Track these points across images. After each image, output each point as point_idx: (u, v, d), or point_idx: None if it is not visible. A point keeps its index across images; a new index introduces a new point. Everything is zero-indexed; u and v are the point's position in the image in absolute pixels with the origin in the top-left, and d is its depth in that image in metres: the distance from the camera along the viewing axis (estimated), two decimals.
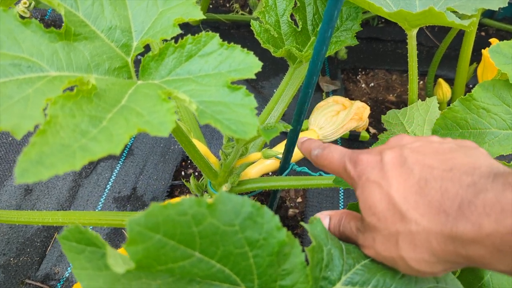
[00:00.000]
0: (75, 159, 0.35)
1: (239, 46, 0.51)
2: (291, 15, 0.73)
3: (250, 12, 1.38)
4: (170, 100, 0.43)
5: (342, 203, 1.00)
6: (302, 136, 0.74)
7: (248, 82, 1.25)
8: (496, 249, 0.31)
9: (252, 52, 0.50)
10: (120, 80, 0.51)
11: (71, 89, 0.43)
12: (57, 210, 0.93)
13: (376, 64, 1.36)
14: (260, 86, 1.25)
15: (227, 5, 1.47)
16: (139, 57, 0.50)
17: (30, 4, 1.18)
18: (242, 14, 1.38)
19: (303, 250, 0.40)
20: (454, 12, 0.60)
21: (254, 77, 0.49)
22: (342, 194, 1.02)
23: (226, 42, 0.50)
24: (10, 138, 1.05)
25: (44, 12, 1.44)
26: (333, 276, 0.43)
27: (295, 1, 0.73)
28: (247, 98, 0.47)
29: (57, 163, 0.35)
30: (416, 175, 0.36)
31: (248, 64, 0.50)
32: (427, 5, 0.65)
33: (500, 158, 0.62)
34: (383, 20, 1.51)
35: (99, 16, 0.53)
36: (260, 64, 0.50)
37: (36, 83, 0.44)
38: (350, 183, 0.43)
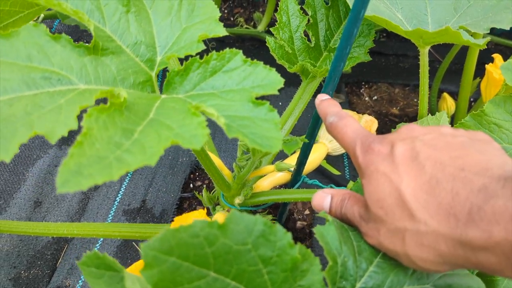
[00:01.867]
0: (112, 169, 0.36)
1: (262, 62, 0.52)
2: (304, 32, 0.75)
3: (255, 26, 1.40)
4: (200, 114, 0.44)
5: None
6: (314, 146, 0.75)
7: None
8: (506, 257, 0.31)
9: (274, 69, 0.51)
10: (145, 94, 0.52)
11: (104, 101, 0.44)
12: (68, 222, 0.93)
13: (378, 77, 1.38)
14: (266, 99, 1.27)
15: (232, 19, 1.50)
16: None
17: (38, 17, 1.19)
18: (246, 28, 1.40)
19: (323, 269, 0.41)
20: (466, 30, 0.62)
21: (277, 93, 0.50)
22: None
23: (249, 59, 0.52)
24: (19, 151, 1.05)
25: (51, 24, 1.45)
26: (348, 286, 0.44)
27: (308, 18, 0.75)
28: (271, 113, 0.48)
29: (94, 173, 0.36)
30: (427, 173, 0.35)
31: (271, 80, 0.51)
32: (439, 22, 0.67)
33: None
34: (384, 34, 1.54)
35: (125, 32, 0.54)
36: (282, 80, 0.51)
37: (67, 95, 0.45)
38: (356, 167, 0.43)
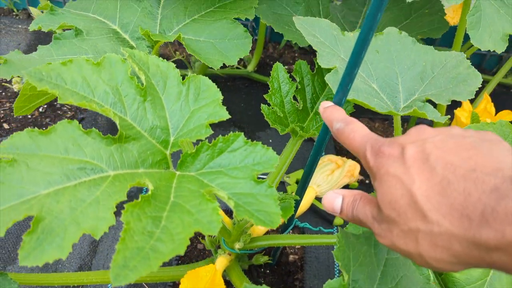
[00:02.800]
0: (150, 261, 0.45)
1: (260, 142, 0.62)
2: (294, 96, 0.85)
3: (245, 66, 1.50)
4: (214, 200, 0.53)
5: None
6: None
7: (246, 133, 1.36)
8: None
9: (271, 148, 0.61)
10: (162, 173, 0.62)
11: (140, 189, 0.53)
12: (79, 264, 1.01)
13: (359, 113, 1.49)
14: (257, 137, 1.36)
15: None
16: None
17: None
18: (237, 68, 1.50)
19: None
20: (431, 101, 0.73)
21: (274, 169, 0.60)
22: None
23: (249, 140, 0.62)
24: None
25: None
26: None
27: (296, 84, 0.85)
28: (270, 190, 0.58)
29: (137, 266, 0.44)
30: (439, 174, 0.35)
31: (268, 158, 0.61)
32: (409, 91, 0.78)
33: None
34: None
35: (143, 118, 0.63)
36: (277, 157, 0.61)
37: (101, 184, 0.54)
38: (367, 170, 0.43)
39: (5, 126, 1.22)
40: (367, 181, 1.27)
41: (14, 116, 1.24)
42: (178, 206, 0.53)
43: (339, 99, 0.56)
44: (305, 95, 0.85)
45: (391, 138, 0.42)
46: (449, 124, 1.11)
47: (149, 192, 0.53)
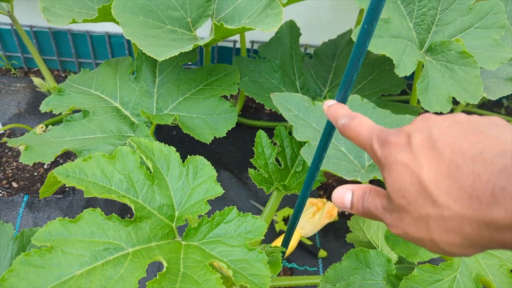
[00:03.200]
0: None
1: (250, 213, 0.75)
2: (276, 158, 0.99)
3: None
4: (216, 272, 0.66)
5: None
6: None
7: (235, 174, 1.49)
8: None
9: (259, 217, 0.75)
10: (171, 243, 0.75)
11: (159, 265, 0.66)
12: None
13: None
14: (245, 177, 1.50)
15: None
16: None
17: (46, 126, 1.38)
18: None
19: None
20: None
21: (263, 237, 0.74)
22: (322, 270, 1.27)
23: (241, 212, 0.75)
24: None
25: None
26: None
27: (277, 147, 0.99)
28: (261, 255, 0.71)
29: None
30: (446, 159, 0.35)
31: (258, 226, 0.75)
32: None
33: None
34: None
35: (152, 199, 0.76)
36: (265, 225, 0.75)
37: (123, 262, 0.67)
38: (375, 162, 0.43)
39: (14, 184, 1.34)
40: (346, 213, 1.42)
41: (22, 175, 1.36)
42: (187, 276, 0.67)
43: (312, 173, 0.70)
44: (285, 155, 0.99)
45: (397, 128, 0.42)
46: None
47: (164, 269, 0.66)
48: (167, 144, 0.81)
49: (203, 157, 0.81)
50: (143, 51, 0.84)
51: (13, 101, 1.57)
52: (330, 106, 0.53)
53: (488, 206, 0.32)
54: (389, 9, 1.00)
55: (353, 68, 0.52)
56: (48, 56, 1.63)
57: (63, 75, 1.69)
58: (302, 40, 1.63)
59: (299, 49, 1.27)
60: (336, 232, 1.32)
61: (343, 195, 0.46)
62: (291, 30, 1.24)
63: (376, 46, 0.92)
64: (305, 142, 0.86)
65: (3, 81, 1.64)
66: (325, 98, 1.26)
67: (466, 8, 1.05)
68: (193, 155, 0.81)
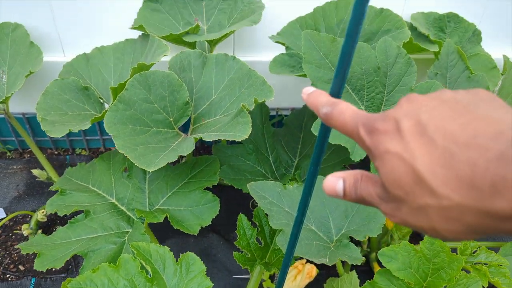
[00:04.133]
0: None
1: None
2: (257, 238, 1.14)
3: None
4: None
5: None
6: None
7: (221, 235, 1.63)
8: None
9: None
10: None
11: None
12: None
13: None
14: (232, 237, 1.64)
15: None
16: None
17: (46, 213, 1.51)
18: None
19: None
20: (352, 237, 1.03)
21: None
22: None
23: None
24: None
25: (63, 158, 1.76)
26: None
27: (257, 228, 1.14)
28: None
29: None
30: (439, 146, 0.34)
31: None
32: (338, 226, 1.08)
33: None
34: None
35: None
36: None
37: None
38: (364, 149, 0.41)
39: (21, 267, 1.45)
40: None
41: (27, 257, 1.47)
42: None
43: (287, 260, 0.85)
44: (264, 234, 1.14)
45: (383, 113, 0.40)
46: None
47: None
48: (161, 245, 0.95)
49: (193, 253, 0.95)
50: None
51: (11, 184, 1.69)
52: (310, 94, 0.49)
53: (489, 197, 0.31)
54: (342, 99, 1.17)
55: (318, 156, 0.57)
56: (41, 138, 1.77)
57: (56, 153, 1.82)
58: (273, 104, 1.80)
59: (270, 126, 1.43)
60: None
61: (335, 183, 0.45)
62: (261, 110, 1.40)
63: (333, 137, 1.08)
64: (280, 230, 1.01)
65: (0, 164, 1.76)
66: (296, 169, 1.41)
67: (408, 89, 1.23)
68: (185, 253, 0.95)
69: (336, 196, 0.45)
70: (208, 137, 1.01)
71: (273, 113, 1.79)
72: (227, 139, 0.97)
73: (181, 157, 1.07)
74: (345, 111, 0.43)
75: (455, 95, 0.38)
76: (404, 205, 0.37)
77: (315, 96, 0.48)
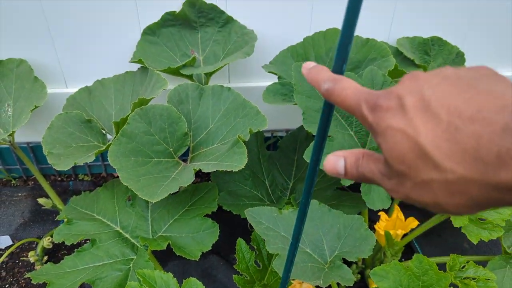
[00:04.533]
0: None
1: None
2: (255, 261, 1.20)
3: None
4: None
5: None
6: None
7: (222, 256, 1.69)
8: None
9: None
10: None
11: None
12: None
13: None
14: (232, 258, 1.69)
15: None
16: None
17: (52, 239, 1.56)
18: None
19: None
20: (344, 258, 1.10)
21: None
22: None
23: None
24: None
25: (67, 184, 1.82)
26: None
27: (255, 251, 1.20)
28: None
29: None
30: (444, 120, 0.34)
31: None
32: (332, 248, 1.14)
33: None
34: None
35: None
36: None
37: None
38: (366, 127, 0.41)
39: None
40: None
41: (34, 284, 1.52)
42: None
43: (284, 281, 0.91)
44: (262, 257, 1.20)
45: (385, 90, 0.40)
46: None
47: None
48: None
49: (195, 278, 1.01)
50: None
51: (17, 211, 1.75)
52: (310, 69, 0.48)
53: (495, 168, 0.31)
54: (331, 126, 1.24)
55: (310, 182, 0.59)
56: (44, 165, 1.83)
57: (59, 179, 1.88)
58: (268, 126, 1.87)
59: (265, 150, 1.49)
60: None
61: (336, 162, 0.44)
62: (256, 135, 1.47)
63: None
64: (277, 254, 1.07)
65: (6, 192, 1.82)
66: (291, 192, 1.48)
67: None
68: (188, 278, 1.01)
69: (337, 175, 0.45)
70: (207, 168, 1.07)
71: (268, 134, 1.86)
72: (224, 169, 1.03)
73: None
74: (348, 87, 0.43)
75: (458, 72, 0.38)
76: (408, 181, 0.37)
77: (316, 71, 0.47)
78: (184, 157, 1.27)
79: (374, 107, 0.39)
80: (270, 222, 1.15)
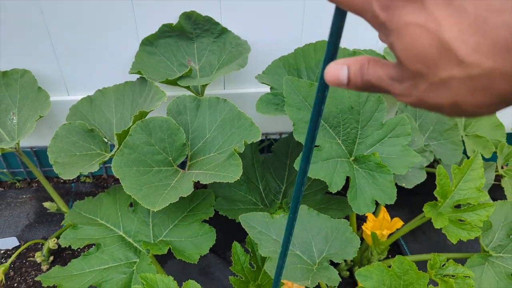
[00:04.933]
0: None
1: None
2: (250, 262, 1.29)
3: None
4: None
5: None
6: None
7: (217, 254, 1.78)
8: None
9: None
10: None
11: None
12: None
13: None
14: (229, 257, 1.79)
15: None
16: None
17: (57, 238, 1.65)
18: None
19: None
20: (332, 259, 1.19)
21: None
22: None
23: None
24: None
25: (69, 186, 1.90)
26: None
27: (250, 254, 1.29)
28: None
29: None
30: (470, 13, 0.31)
31: None
32: (320, 251, 1.23)
33: None
34: None
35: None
36: None
37: None
38: (376, 28, 0.38)
39: None
40: None
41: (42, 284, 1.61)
42: None
43: (276, 282, 1.00)
44: (256, 259, 1.29)
45: None
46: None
47: None
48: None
49: (194, 281, 1.10)
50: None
51: (22, 212, 1.83)
52: None
53: None
54: (320, 136, 1.32)
55: (299, 189, 0.67)
56: (48, 168, 1.90)
57: (61, 181, 1.96)
58: (262, 130, 1.95)
59: (259, 156, 1.58)
60: None
61: (338, 71, 0.42)
62: (251, 143, 1.55)
63: (312, 172, 1.23)
64: (269, 257, 1.16)
65: (11, 194, 1.90)
66: (283, 196, 1.57)
67: (379, 124, 1.38)
68: (187, 281, 1.10)
69: (339, 85, 0.42)
70: (204, 179, 1.15)
71: (262, 137, 1.94)
72: (221, 181, 1.11)
73: None
74: None
75: None
76: (423, 82, 0.35)
77: None
78: (182, 166, 1.35)
79: (388, 4, 0.35)
80: (263, 227, 1.23)
